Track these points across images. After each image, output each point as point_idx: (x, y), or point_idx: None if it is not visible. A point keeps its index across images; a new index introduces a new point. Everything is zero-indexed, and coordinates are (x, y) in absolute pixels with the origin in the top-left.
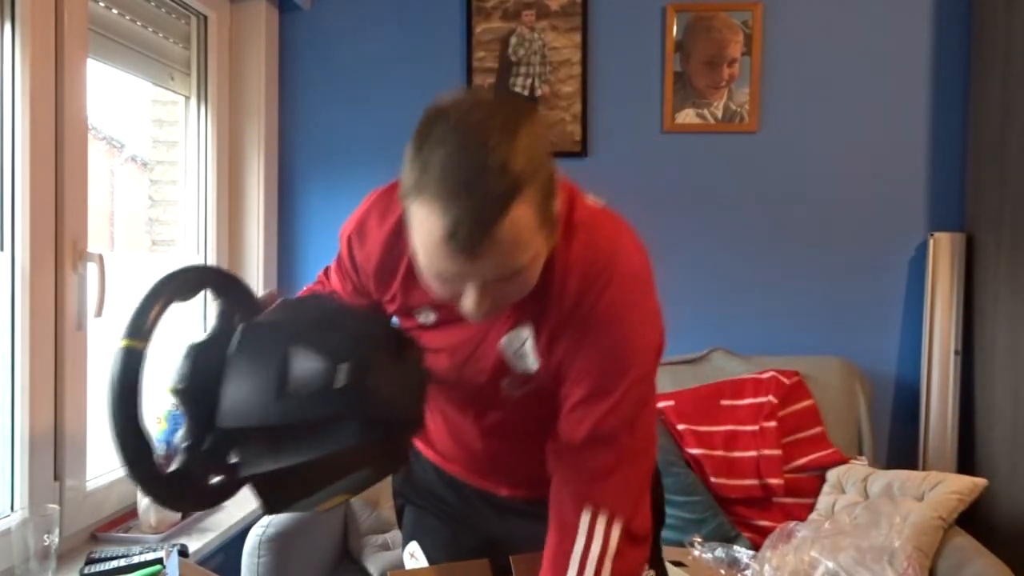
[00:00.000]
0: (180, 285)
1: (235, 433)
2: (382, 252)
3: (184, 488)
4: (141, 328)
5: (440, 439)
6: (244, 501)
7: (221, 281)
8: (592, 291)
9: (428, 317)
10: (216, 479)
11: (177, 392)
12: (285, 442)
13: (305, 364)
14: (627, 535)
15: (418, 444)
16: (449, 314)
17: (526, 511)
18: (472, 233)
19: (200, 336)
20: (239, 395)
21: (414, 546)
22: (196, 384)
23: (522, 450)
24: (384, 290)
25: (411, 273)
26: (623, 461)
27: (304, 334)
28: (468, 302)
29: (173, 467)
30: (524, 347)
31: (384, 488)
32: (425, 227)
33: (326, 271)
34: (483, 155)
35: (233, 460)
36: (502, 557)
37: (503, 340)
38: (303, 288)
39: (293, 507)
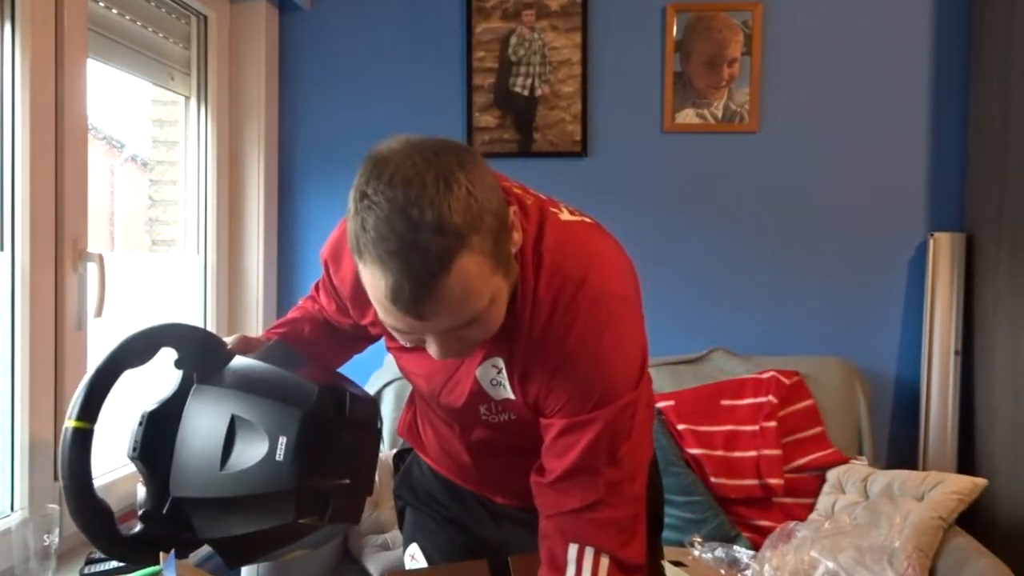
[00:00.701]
0: (131, 354)
1: (188, 502)
2: (354, 281)
3: (147, 549)
4: (89, 409)
5: (432, 449)
6: None
7: (177, 339)
8: (562, 323)
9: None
10: (175, 540)
11: (133, 460)
12: (233, 512)
13: (246, 437)
14: (617, 566)
15: (416, 448)
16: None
17: (522, 518)
18: (416, 295)
19: (155, 402)
20: (188, 466)
21: (414, 548)
22: (152, 451)
23: (510, 465)
24: (362, 315)
25: None
26: (608, 495)
27: (249, 403)
28: (432, 350)
29: (135, 531)
30: (499, 377)
31: (384, 488)
32: (371, 286)
33: (316, 286)
34: (417, 214)
35: (192, 523)
36: (500, 558)
37: (478, 371)
38: (297, 302)
39: (255, 562)
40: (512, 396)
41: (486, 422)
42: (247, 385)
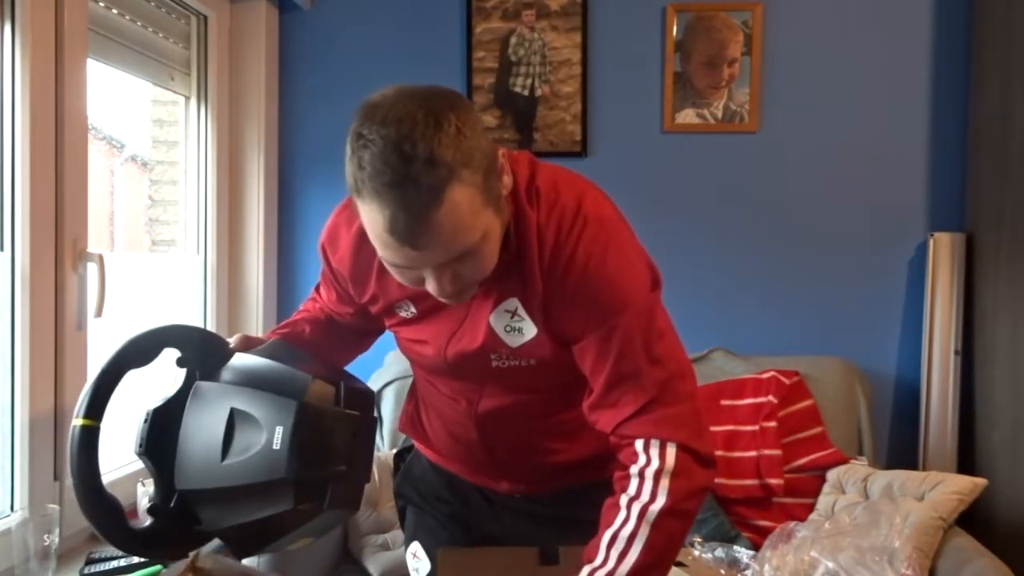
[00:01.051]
0: (135, 355)
1: (192, 494)
2: (352, 254)
3: (157, 544)
4: (95, 407)
5: (437, 437)
6: None
7: (180, 339)
8: (567, 245)
9: (409, 310)
10: (185, 533)
11: (140, 456)
12: (236, 501)
13: (245, 428)
14: (685, 453)
15: (417, 444)
16: (428, 304)
17: (524, 509)
18: (410, 225)
19: (160, 399)
20: (191, 459)
21: (416, 546)
22: (158, 447)
23: (519, 439)
24: (363, 292)
25: (383, 270)
26: (660, 393)
27: (246, 396)
28: (431, 287)
29: (145, 525)
30: (514, 322)
31: (384, 488)
32: (369, 222)
33: (316, 287)
34: (410, 148)
35: (198, 515)
36: (550, 545)
37: (492, 317)
38: (298, 303)
39: (263, 552)
40: (532, 336)
41: (497, 371)
42: (245, 379)
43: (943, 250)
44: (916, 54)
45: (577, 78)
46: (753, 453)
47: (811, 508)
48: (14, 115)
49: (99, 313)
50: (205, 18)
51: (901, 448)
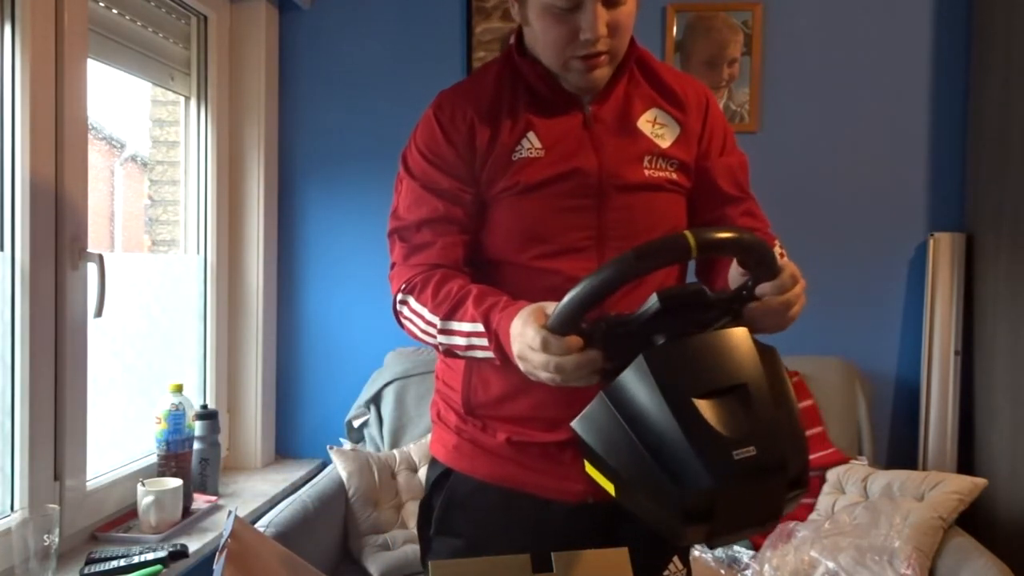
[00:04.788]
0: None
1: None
2: (496, 87)
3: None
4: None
5: (505, 400)
6: (244, 501)
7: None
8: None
9: (533, 144)
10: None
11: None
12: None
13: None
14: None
15: (467, 465)
16: (553, 132)
17: (575, 529)
18: None
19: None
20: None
21: None
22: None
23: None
24: (495, 138)
25: (527, 101)
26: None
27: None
28: (587, 19)
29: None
30: (658, 128)
31: (384, 488)
32: None
33: (396, 268)
34: None
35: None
36: (542, 551)
37: (640, 124)
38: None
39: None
40: (677, 133)
41: (646, 187)
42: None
43: (943, 250)
44: (916, 54)
45: None
46: None
47: (811, 508)
48: (14, 115)
49: (99, 313)
50: (205, 18)
51: (901, 448)
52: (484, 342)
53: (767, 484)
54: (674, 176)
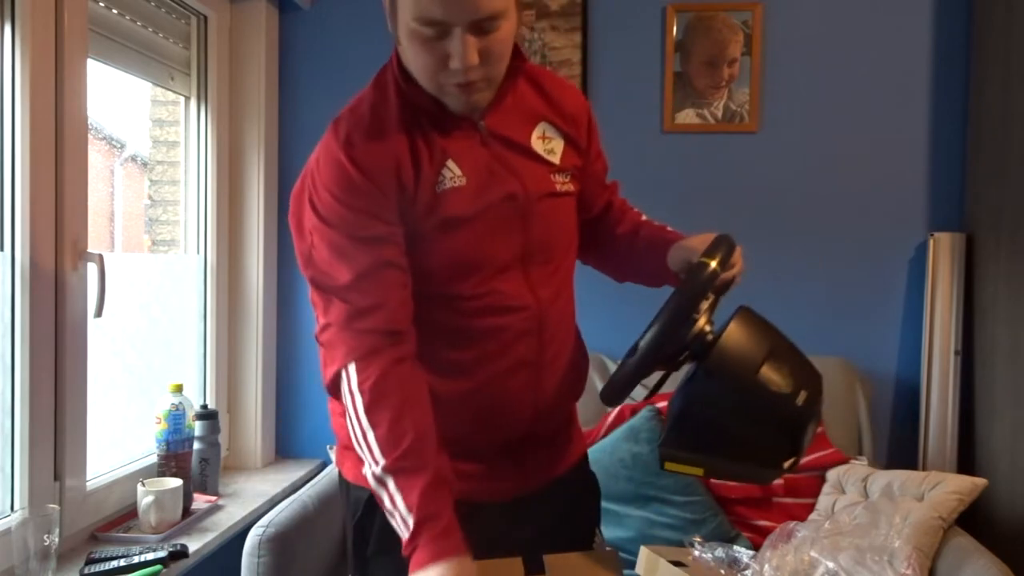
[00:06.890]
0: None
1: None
2: (400, 116)
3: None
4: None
5: (461, 429)
6: (244, 501)
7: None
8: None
9: (455, 173)
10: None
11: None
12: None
13: (775, 375)
14: None
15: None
16: (472, 159)
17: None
18: None
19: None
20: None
21: None
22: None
23: (563, 344)
24: (419, 172)
25: (411, 147)
26: None
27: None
28: (456, 48)
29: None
30: (546, 140)
31: None
32: None
33: (334, 331)
34: None
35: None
36: (535, 554)
37: (533, 142)
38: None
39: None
40: (562, 146)
41: (556, 203)
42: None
43: (943, 250)
44: (916, 54)
45: (577, 78)
46: None
47: (811, 508)
48: (14, 115)
49: (99, 313)
50: (205, 18)
51: (901, 448)
52: (404, 532)
53: (817, 410)
54: (570, 186)
